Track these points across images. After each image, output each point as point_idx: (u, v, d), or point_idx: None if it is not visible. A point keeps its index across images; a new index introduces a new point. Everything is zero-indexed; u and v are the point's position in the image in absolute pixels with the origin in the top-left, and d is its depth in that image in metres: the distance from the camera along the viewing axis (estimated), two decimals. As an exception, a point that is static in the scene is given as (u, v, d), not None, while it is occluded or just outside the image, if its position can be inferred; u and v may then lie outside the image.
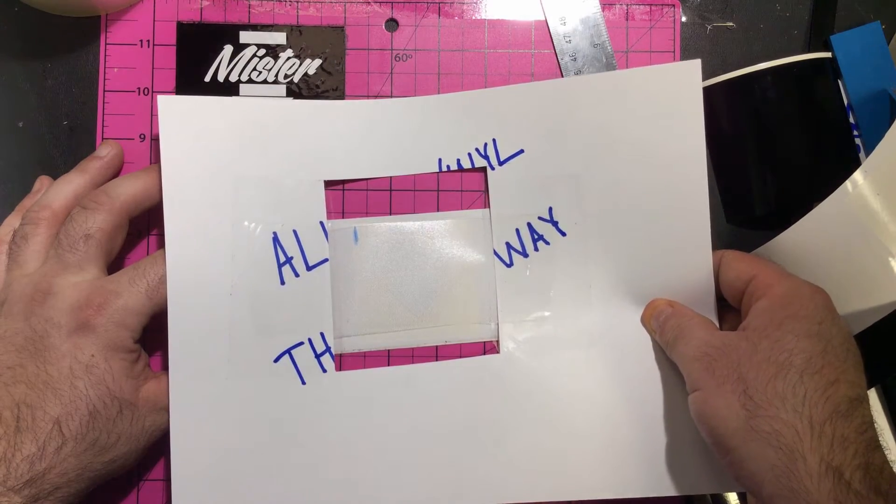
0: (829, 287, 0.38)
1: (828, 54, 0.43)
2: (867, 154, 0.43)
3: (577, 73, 0.44)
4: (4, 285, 0.38)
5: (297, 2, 0.44)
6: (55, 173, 0.43)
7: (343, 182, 0.43)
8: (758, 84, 0.42)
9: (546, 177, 0.42)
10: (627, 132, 0.41)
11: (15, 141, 0.43)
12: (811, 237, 0.39)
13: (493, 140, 0.42)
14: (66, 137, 0.43)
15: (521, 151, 0.42)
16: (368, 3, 0.44)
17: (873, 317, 0.39)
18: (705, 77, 0.42)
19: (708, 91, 0.42)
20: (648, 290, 0.42)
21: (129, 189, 0.40)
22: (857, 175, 0.38)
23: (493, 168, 0.42)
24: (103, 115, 0.43)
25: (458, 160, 0.43)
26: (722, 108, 0.43)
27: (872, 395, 0.43)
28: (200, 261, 0.40)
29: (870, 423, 0.33)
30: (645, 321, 0.42)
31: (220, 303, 0.40)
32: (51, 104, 0.43)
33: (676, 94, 0.41)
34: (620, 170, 0.42)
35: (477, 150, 0.43)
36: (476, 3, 0.44)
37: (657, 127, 0.41)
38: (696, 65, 0.41)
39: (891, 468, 0.32)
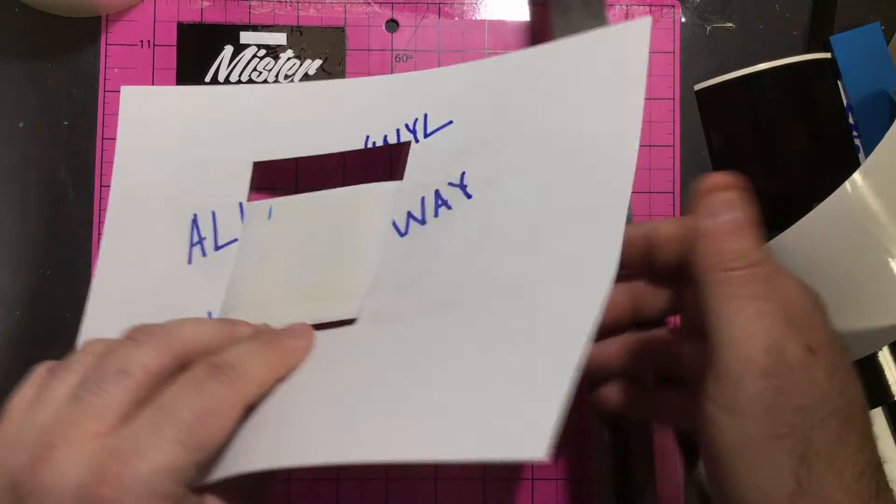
0: (827, 288, 0.37)
1: (827, 55, 0.43)
2: (867, 155, 0.43)
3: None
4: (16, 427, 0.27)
5: (298, 2, 0.44)
6: (55, 174, 0.43)
7: (274, 163, 0.41)
8: (757, 85, 0.42)
9: (466, 142, 0.39)
10: (559, 105, 0.37)
11: (15, 141, 0.43)
12: (810, 238, 0.39)
13: (425, 115, 0.41)
14: (66, 138, 0.43)
15: (450, 122, 0.40)
16: (369, 3, 0.44)
17: (874, 343, 0.39)
18: (705, 78, 0.42)
19: (707, 92, 0.42)
20: (542, 262, 0.34)
21: (196, 330, 0.30)
22: (857, 176, 0.38)
23: (417, 141, 0.41)
24: (104, 115, 0.43)
25: (385, 136, 0.41)
26: (721, 108, 0.43)
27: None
28: (134, 250, 0.40)
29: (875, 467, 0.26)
30: (699, 196, 0.30)
31: (144, 289, 0.39)
32: (51, 105, 0.43)
33: (618, 62, 0.35)
34: (544, 143, 0.37)
35: (406, 125, 0.41)
36: (476, 3, 0.44)
37: (590, 100, 0.36)
38: (645, 25, 0.33)
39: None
